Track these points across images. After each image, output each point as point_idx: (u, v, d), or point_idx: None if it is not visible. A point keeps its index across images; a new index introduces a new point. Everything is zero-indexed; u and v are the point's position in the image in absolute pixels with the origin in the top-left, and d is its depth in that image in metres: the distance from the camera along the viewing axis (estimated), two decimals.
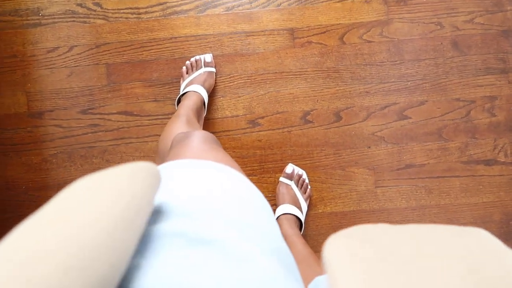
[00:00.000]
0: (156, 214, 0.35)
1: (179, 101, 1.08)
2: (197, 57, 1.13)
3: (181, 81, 1.14)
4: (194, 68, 1.12)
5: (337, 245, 0.24)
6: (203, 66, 1.12)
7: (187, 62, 1.14)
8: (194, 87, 1.06)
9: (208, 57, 1.12)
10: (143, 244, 0.31)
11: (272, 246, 0.35)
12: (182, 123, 0.85)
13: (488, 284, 0.18)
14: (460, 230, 0.24)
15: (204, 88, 1.08)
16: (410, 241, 0.22)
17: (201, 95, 1.06)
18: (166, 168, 0.45)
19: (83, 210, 0.22)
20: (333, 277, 0.21)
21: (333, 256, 0.23)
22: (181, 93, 1.09)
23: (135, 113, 1.17)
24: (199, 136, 0.58)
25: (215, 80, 1.15)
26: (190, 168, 0.45)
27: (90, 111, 1.17)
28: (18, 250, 0.19)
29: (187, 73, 1.13)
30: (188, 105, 0.99)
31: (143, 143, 1.17)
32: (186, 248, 0.30)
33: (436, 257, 0.20)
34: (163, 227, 0.33)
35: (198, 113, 1.01)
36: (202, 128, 1.09)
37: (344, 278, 0.20)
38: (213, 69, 1.13)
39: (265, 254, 0.32)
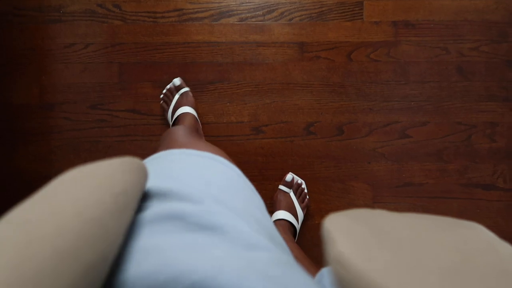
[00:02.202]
0: (155, 197, 0.34)
1: None
2: (168, 86, 1.18)
3: (165, 115, 1.18)
4: (171, 96, 1.16)
5: (337, 219, 0.25)
6: (175, 90, 1.16)
7: (161, 96, 1.19)
8: (181, 110, 1.11)
9: (177, 81, 1.16)
10: (139, 226, 0.30)
11: (275, 237, 0.35)
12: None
13: (481, 271, 0.18)
14: (458, 221, 0.25)
15: (189, 106, 1.13)
16: (407, 227, 0.23)
17: (191, 113, 1.11)
18: (162, 156, 0.45)
19: (76, 198, 0.23)
20: (332, 240, 0.22)
21: (333, 226, 0.24)
22: (172, 121, 1.14)
23: (142, 112, 1.20)
24: (182, 128, 0.58)
25: (225, 86, 1.19)
26: (187, 156, 0.44)
27: (99, 106, 1.20)
28: (18, 231, 0.19)
29: (167, 104, 1.17)
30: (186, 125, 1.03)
31: (148, 141, 1.19)
32: (186, 232, 0.29)
33: (433, 243, 0.21)
34: (162, 209, 0.32)
35: (196, 129, 1.07)
36: (204, 139, 1.13)
37: (342, 241, 0.21)
38: (187, 88, 1.17)
39: (271, 243, 0.32)
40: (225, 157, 0.48)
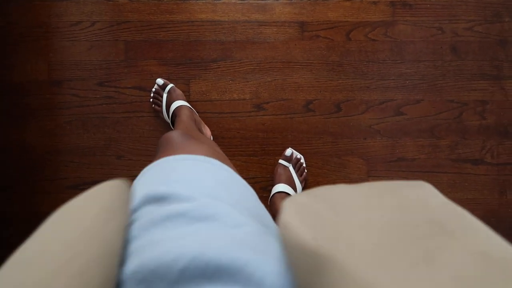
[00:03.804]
0: (156, 202, 0.39)
1: (173, 123, 1.19)
2: (153, 89, 1.23)
3: (161, 115, 1.23)
4: (159, 97, 1.22)
5: (296, 197, 0.30)
6: (161, 90, 1.22)
7: (151, 100, 1.24)
8: (174, 104, 1.17)
9: (160, 81, 1.21)
10: (142, 230, 0.35)
11: (263, 218, 0.42)
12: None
13: (414, 223, 0.22)
14: (406, 183, 0.29)
15: (180, 99, 1.19)
16: (360, 196, 0.28)
17: (184, 105, 1.17)
18: (159, 164, 0.50)
19: (73, 224, 0.30)
20: (283, 212, 0.27)
21: (290, 202, 0.29)
22: (170, 118, 1.19)
23: (148, 89, 1.24)
24: (176, 134, 0.63)
25: (228, 64, 1.23)
26: (182, 161, 0.49)
27: (106, 83, 1.24)
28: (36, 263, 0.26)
29: (158, 106, 1.22)
30: (183, 118, 1.10)
31: (154, 117, 1.25)
32: (186, 225, 0.34)
33: (380, 206, 0.25)
34: (162, 210, 0.37)
35: (193, 119, 1.13)
36: (205, 121, 1.23)
37: (288, 217, 0.26)
38: (171, 84, 1.22)
39: (256, 222, 0.37)
40: (216, 156, 0.53)
